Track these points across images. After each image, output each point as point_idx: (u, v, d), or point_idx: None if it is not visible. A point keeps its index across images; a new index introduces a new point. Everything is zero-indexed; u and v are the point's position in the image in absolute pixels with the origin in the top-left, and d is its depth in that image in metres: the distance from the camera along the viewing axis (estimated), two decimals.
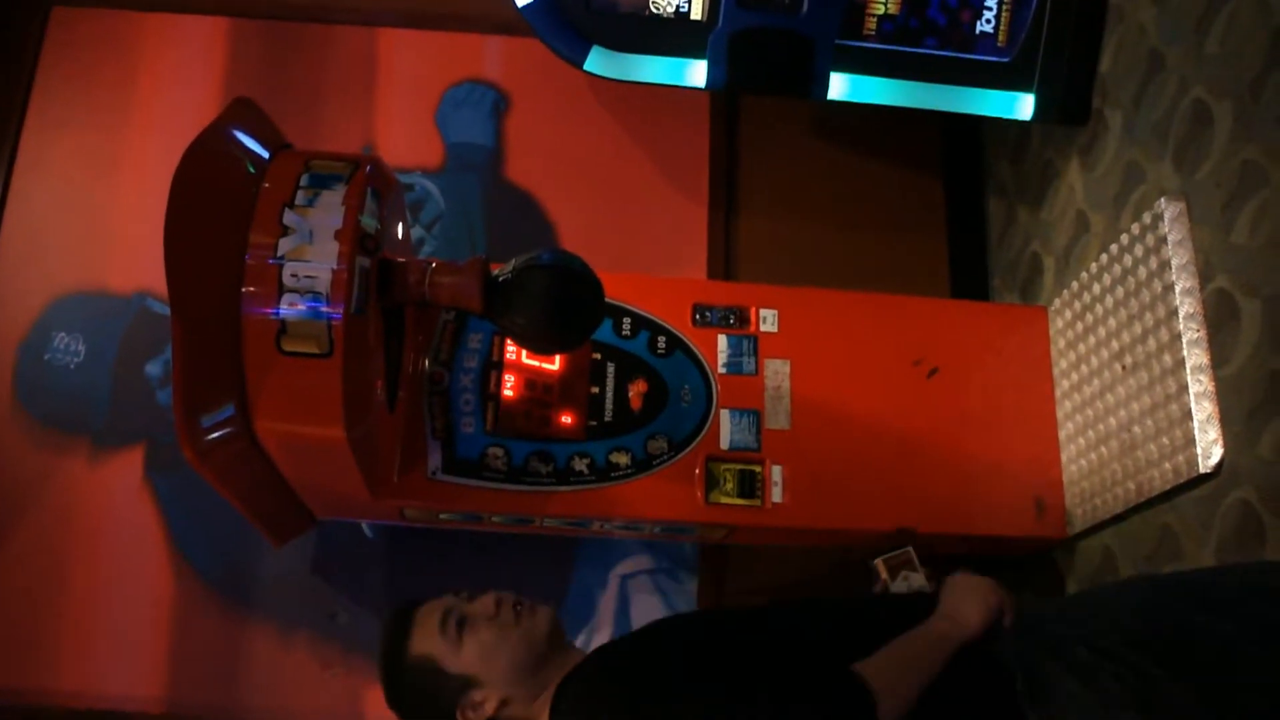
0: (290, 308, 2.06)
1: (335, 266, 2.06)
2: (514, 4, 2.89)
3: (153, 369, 3.21)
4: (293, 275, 2.06)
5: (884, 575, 2.42)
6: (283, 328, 2.06)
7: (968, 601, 1.81)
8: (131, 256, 3.29)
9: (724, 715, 1.60)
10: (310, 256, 2.07)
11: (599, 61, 2.90)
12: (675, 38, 2.89)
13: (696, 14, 2.88)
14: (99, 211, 3.38)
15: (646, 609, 3.09)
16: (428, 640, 1.86)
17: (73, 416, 3.17)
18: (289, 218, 2.10)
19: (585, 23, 2.89)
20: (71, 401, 3.19)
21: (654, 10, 2.89)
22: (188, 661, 3.01)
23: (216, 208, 2.11)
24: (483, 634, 1.84)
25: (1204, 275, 2.35)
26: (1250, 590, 1.69)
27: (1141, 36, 2.65)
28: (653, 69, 2.92)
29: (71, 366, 3.21)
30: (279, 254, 2.07)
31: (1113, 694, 1.57)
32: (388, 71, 3.59)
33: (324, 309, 2.05)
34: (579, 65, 2.91)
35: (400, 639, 1.90)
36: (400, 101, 3.56)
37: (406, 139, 3.51)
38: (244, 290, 2.07)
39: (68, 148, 3.45)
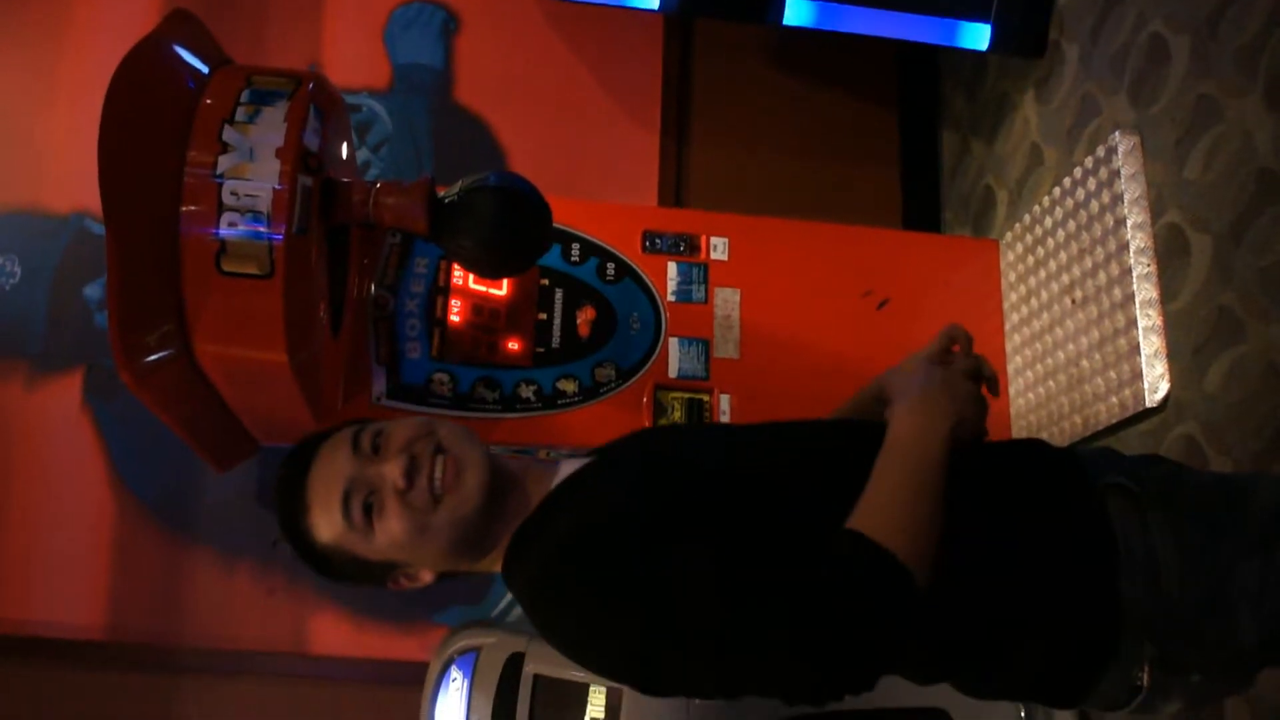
0: (230, 227, 2.00)
1: (276, 185, 2.01)
2: None
3: (91, 291, 3.14)
4: (232, 194, 2.00)
5: None
6: (222, 248, 2.01)
7: (932, 396, 1.42)
8: (69, 175, 3.20)
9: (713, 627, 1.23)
10: (251, 175, 2.01)
11: None
12: None
13: None
14: (35, 128, 3.28)
15: None
16: (330, 526, 1.43)
17: (8, 340, 3.11)
18: (229, 135, 2.04)
19: None
20: (7, 325, 3.12)
21: None
22: (130, 588, 2.98)
23: (153, 124, 2.04)
24: (394, 525, 1.40)
25: (1155, 210, 2.35)
26: None
27: None
28: None
29: (6, 289, 3.14)
30: (218, 172, 2.01)
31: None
32: None
33: (265, 229, 2.00)
34: None
35: (299, 520, 1.47)
36: (348, 19, 3.47)
37: (353, 58, 3.43)
38: (182, 209, 2.01)
39: (2, 62, 3.33)
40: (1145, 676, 1.37)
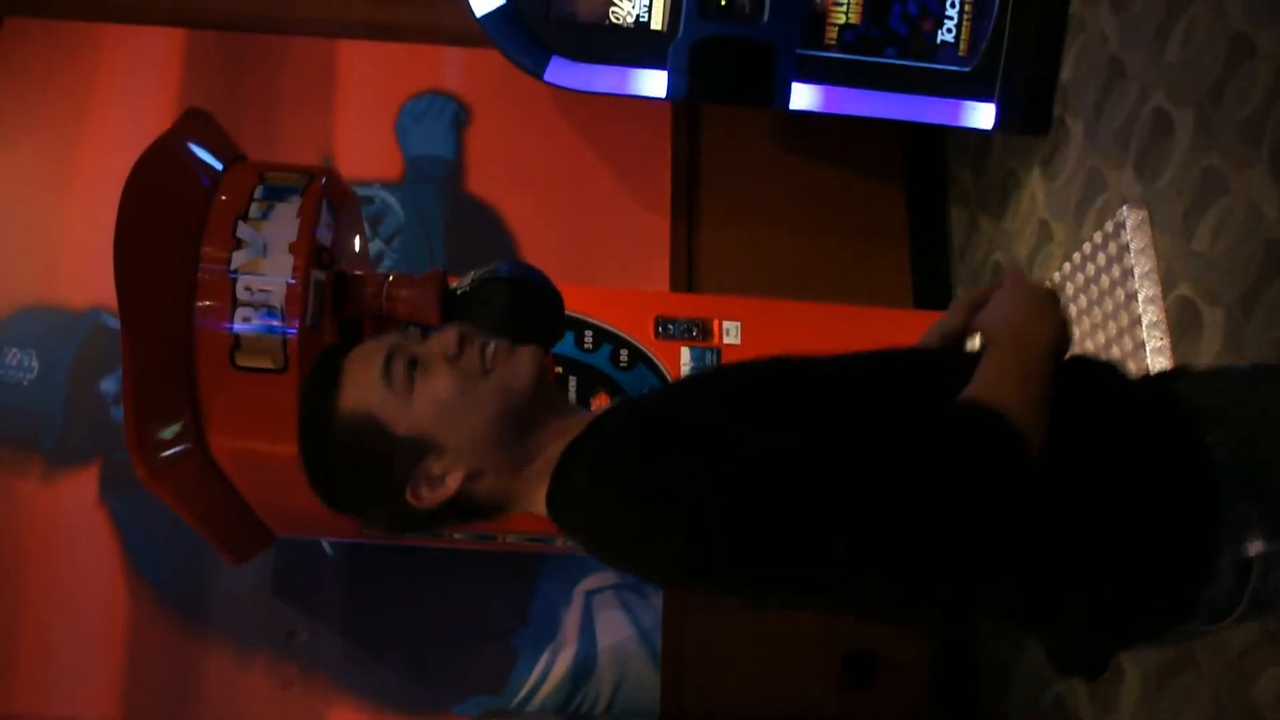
0: (244, 322, 2.02)
1: (290, 280, 2.03)
2: (473, 14, 2.86)
3: (108, 385, 3.16)
4: (246, 289, 2.02)
5: None
6: (236, 343, 2.03)
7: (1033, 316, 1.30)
8: (86, 271, 3.23)
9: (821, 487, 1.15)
10: (264, 270, 2.04)
11: (559, 72, 2.88)
12: (635, 48, 2.87)
13: (657, 24, 2.86)
14: (53, 225, 3.32)
15: (612, 625, 3.06)
16: (365, 389, 1.28)
17: (26, 433, 3.11)
18: (243, 230, 2.07)
19: (544, 33, 2.87)
20: (24, 418, 3.13)
21: (614, 20, 2.87)
22: (144, 682, 2.96)
23: (168, 220, 2.07)
24: (439, 382, 1.27)
25: (1166, 283, 2.35)
26: None
27: (1102, 44, 2.65)
28: (613, 79, 2.91)
29: (24, 383, 3.16)
30: (232, 267, 2.04)
31: None
32: (346, 83, 3.55)
33: (278, 324, 2.02)
34: (539, 76, 2.89)
35: (326, 390, 1.31)
36: (359, 113, 3.52)
37: (366, 151, 3.47)
38: (197, 304, 2.03)
39: (21, 160, 3.39)
40: (1254, 546, 1.21)
